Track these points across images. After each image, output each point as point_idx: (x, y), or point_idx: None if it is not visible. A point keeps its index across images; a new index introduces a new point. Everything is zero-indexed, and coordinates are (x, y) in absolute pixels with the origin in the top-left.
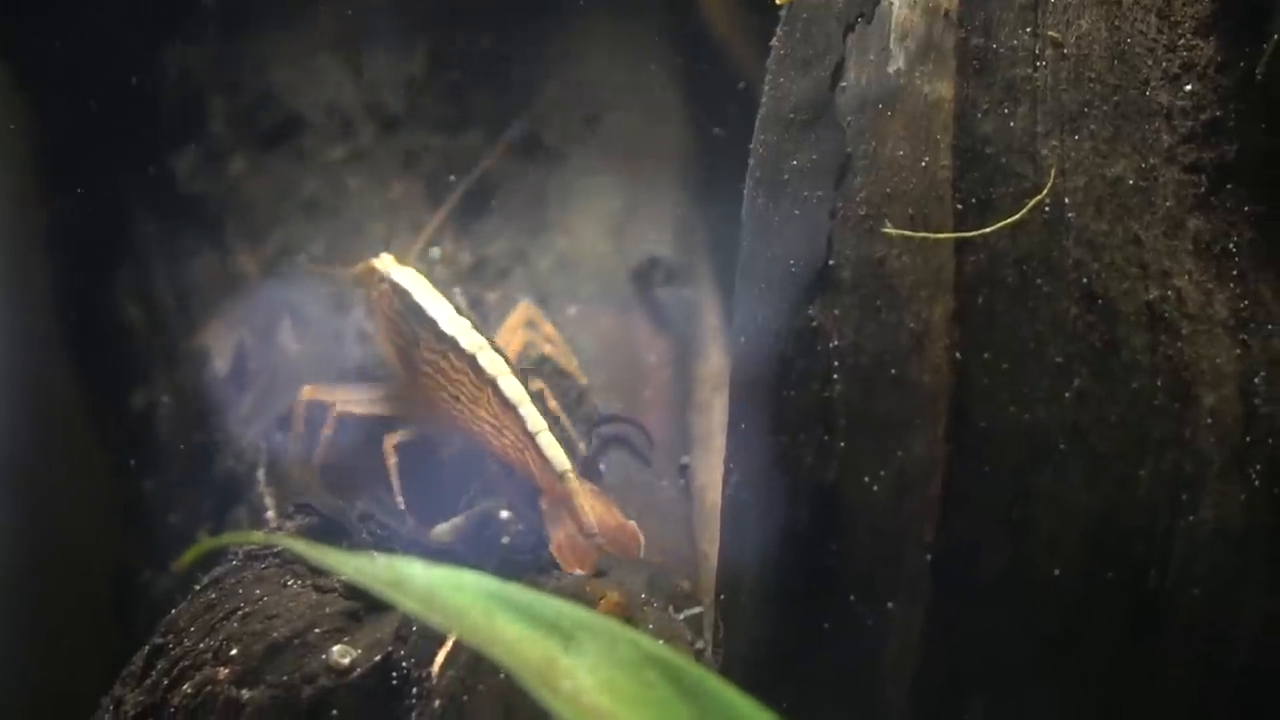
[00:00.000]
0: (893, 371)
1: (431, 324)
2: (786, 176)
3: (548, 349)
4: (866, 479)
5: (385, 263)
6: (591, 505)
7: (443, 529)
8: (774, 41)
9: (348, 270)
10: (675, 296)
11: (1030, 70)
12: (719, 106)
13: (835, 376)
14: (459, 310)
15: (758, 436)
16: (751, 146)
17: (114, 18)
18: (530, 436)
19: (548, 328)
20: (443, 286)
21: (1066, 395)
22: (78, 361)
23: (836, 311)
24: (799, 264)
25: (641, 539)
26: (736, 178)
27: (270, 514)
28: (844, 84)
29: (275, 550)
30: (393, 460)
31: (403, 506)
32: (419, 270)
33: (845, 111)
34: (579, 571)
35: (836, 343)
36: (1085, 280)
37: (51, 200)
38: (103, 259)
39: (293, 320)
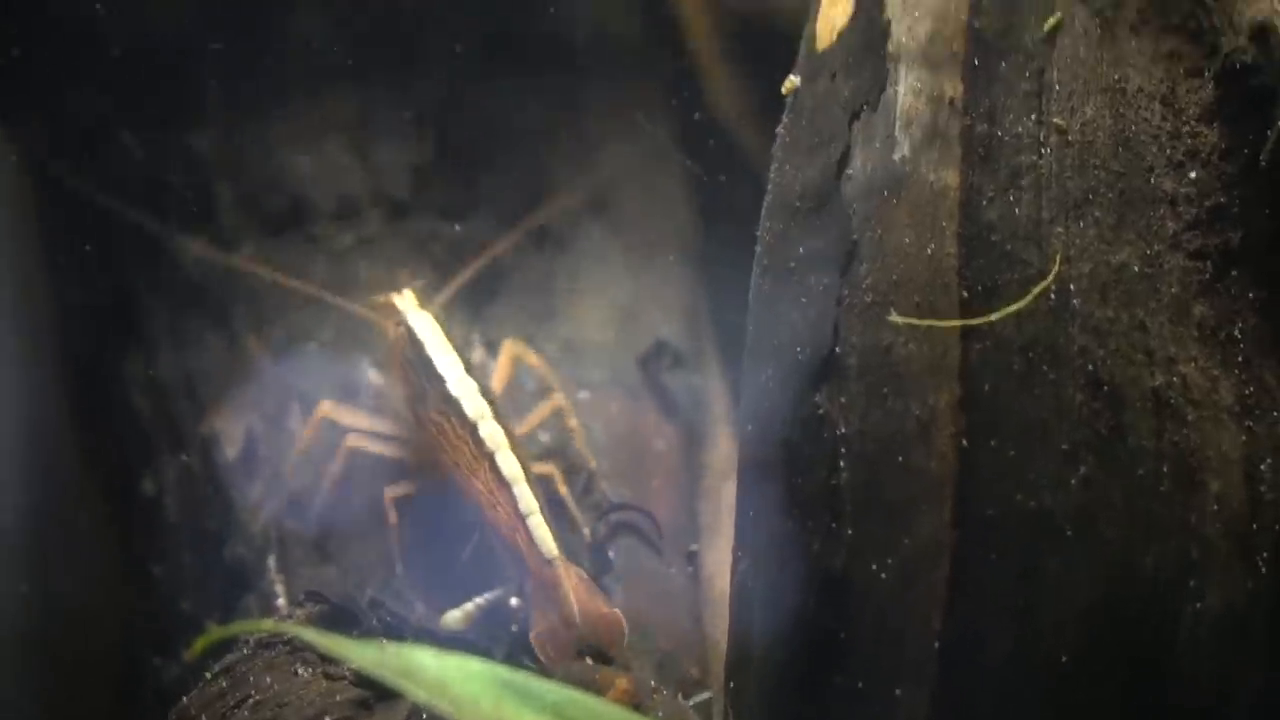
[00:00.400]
0: (899, 458)
1: (440, 382)
2: (793, 263)
3: (555, 402)
4: (874, 565)
5: (406, 302)
6: (576, 593)
7: (454, 616)
8: (780, 129)
9: (368, 303)
10: (683, 383)
11: (1035, 157)
12: (726, 192)
13: (842, 463)
14: (468, 369)
15: (765, 523)
16: (758, 233)
17: (122, 102)
18: (521, 517)
19: (533, 359)
20: (459, 334)
21: (1072, 481)
22: (86, 446)
23: (843, 399)
24: (805, 351)
25: (625, 629)
26: (743, 263)
27: (280, 601)
28: (849, 171)
29: (286, 638)
30: (393, 518)
31: (401, 570)
32: (437, 317)
33: (851, 199)
34: (559, 662)
35: (843, 430)
36: (1091, 367)
37: (59, 285)
38: (111, 343)
39: (302, 405)
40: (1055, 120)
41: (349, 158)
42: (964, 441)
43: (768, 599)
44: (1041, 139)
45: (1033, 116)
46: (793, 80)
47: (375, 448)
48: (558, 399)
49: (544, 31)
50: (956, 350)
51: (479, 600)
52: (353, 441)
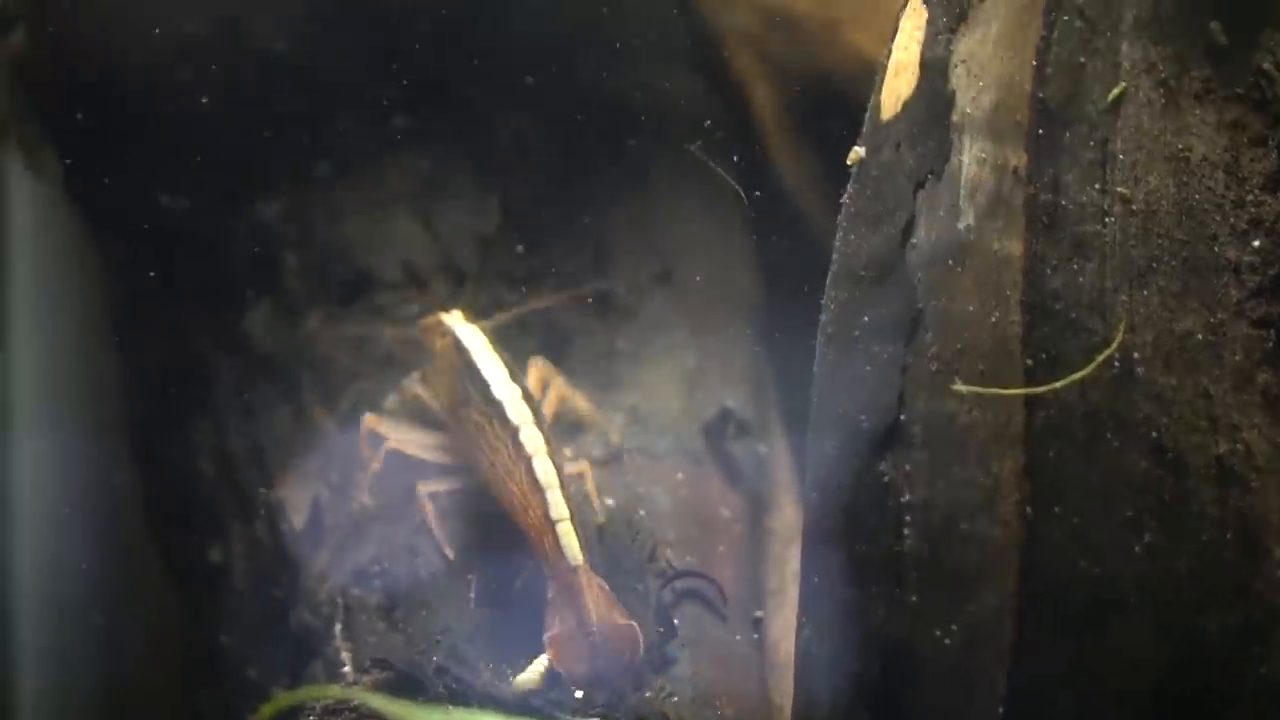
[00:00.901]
0: (963, 526)
1: (484, 386)
2: (857, 332)
3: (579, 404)
4: (938, 632)
5: (453, 318)
6: (596, 601)
7: (527, 678)
8: (845, 198)
9: (418, 323)
10: (748, 450)
11: (1099, 226)
12: (790, 260)
13: (906, 531)
14: (512, 376)
15: (830, 590)
16: (823, 301)
17: (188, 172)
18: (551, 522)
19: (558, 380)
20: (506, 349)
21: (1136, 548)
22: (153, 514)
23: (907, 466)
24: (870, 418)
25: (641, 641)
26: (808, 331)
27: (347, 668)
28: (914, 240)
29: (352, 705)
30: (429, 508)
31: (450, 555)
32: (484, 329)
33: (916, 268)
34: (570, 670)
35: (907, 497)
36: (1154, 434)
37: (126, 354)
38: (178, 412)
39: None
40: (1119, 189)
41: (414, 226)
42: (1028, 509)
43: (832, 665)
44: (1105, 208)
45: (1097, 186)
46: (858, 151)
47: (411, 451)
48: (540, 366)
49: (607, 99)
50: (1021, 418)
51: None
52: (393, 444)
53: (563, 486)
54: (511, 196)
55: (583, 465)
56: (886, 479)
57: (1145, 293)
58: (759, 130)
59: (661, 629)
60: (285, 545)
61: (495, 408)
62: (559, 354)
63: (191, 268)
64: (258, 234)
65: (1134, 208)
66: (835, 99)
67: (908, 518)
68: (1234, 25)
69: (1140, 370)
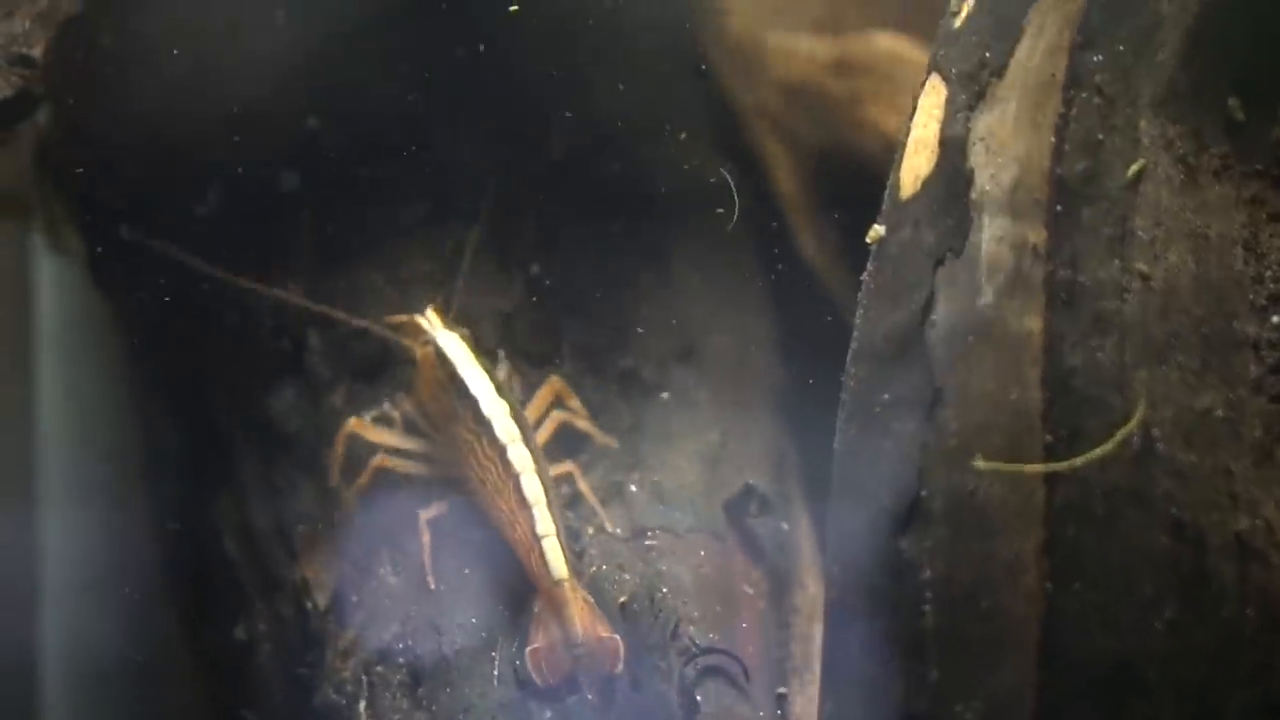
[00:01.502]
0: (984, 602)
1: (473, 403)
2: (878, 409)
3: (580, 424)
4: (958, 708)
5: (431, 322)
6: (581, 615)
7: None
8: (865, 275)
9: (387, 321)
10: (770, 527)
11: (1118, 303)
12: (811, 335)
13: (927, 607)
14: (499, 390)
15: (851, 666)
16: (843, 378)
17: (211, 252)
18: (537, 539)
19: (574, 402)
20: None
21: (1156, 625)
22: (176, 592)
23: (928, 543)
24: (890, 495)
25: (622, 653)
26: (829, 408)
27: None
28: (933, 318)
29: None
30: (426, 538)
31: (433, 587)
32: (463, 336)
33: (935, 345)
34: (548, 682)
35: (928, 574)
36: (1174, 511)
37: (150, 433)
38: (201, 491)
39: (391, 553)
40: (1138, 266)
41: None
42: (1048, 585)
43: None
44: (1125, 285)
45: (1116, 262)
46: (877, 230)
47: (401, 469)
48: (555, 385)
49: (628, 177)
50: (1041, 494)
51: None
52: (380, 460)
53: (550, 503)
54: (531, 276)
55: (570, 467)
56: (907, 555)
57: (1165, 369)
58: (780, 206)
59: (685, 706)
60: (310, 623)
61: (484, 426)
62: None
63: (214, 347)
64: (281, 313)
65: (1153, 284)
66: (856, 175)
67: (929, 594)
68: (1252, 101)
69: (1160, 447)
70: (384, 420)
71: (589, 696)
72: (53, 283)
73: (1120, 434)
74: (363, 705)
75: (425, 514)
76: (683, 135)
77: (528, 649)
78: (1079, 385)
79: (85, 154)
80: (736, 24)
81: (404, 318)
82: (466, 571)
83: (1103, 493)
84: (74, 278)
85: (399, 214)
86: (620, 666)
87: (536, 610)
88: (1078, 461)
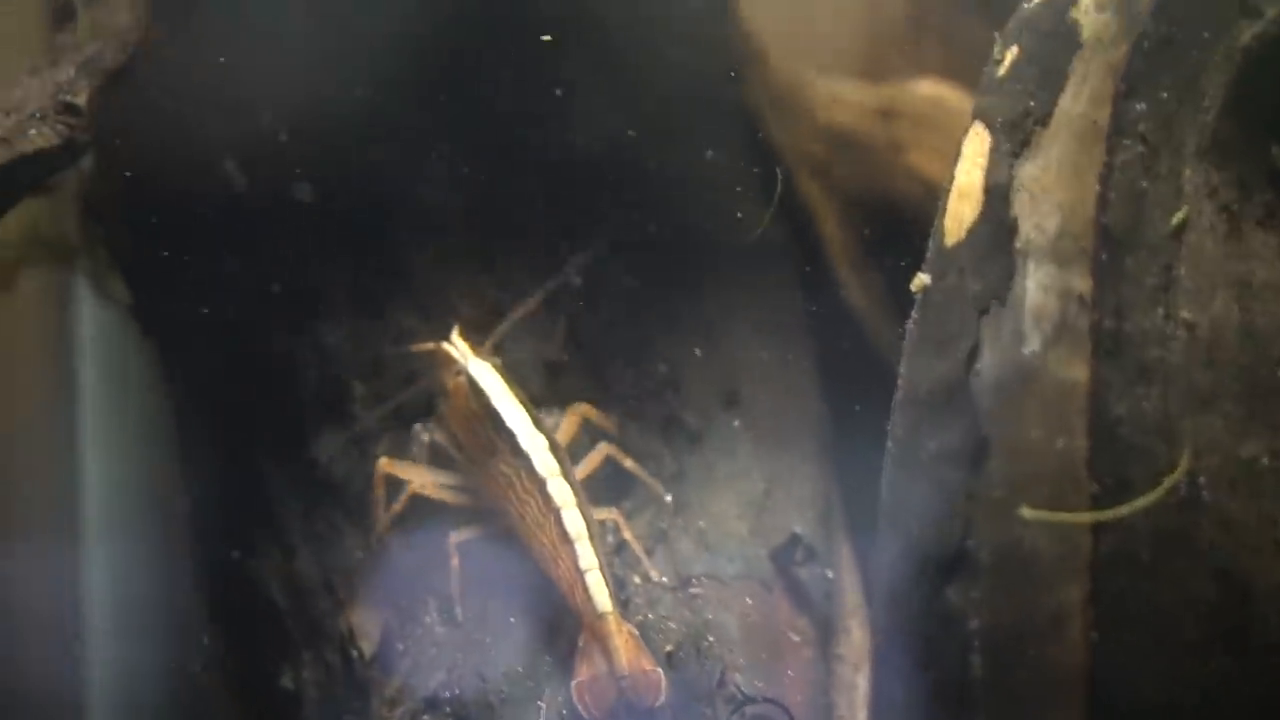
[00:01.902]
0: (1031, 651)
1: (510, 437)
2: (923, 457)
3: (628, 464)
4: None
5: (460, 351)
6: (625, 647)
7: None
8: (910, 323)
9: (414, 348)
10: (816, 574)
11: (1163, 351)
12: (856, 382)
13: (974, 656)
14: (535, 423)
15: (897, 714)
16: (889, 426)
17: (255, 298)
18: (580, 573)
19: (605, 424)
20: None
21: (1203, 674)
22: (222, 639)
23: (975, 593)
24: (936, 544)
25: (664, 686)
26: (874, 456)
27: None
28: (979, 367)
29: None
30: (455, 561)
31: (460, 616)
32: (495, 365)
33: (980, 394)
34: (593, 714)
35: (975, 623)
36: (1220, 559)
37: (194, 483)
38: (246, 538)
39: (437, 601)
40: (1183, 314)
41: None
42: (1094, 634)
43: None
44: (1169, 333)
45: (1160, 311)
46: (922, 278)
47: (435, 495)
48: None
49: (673, 226)
50: (1087, 543)
51: None
52: (415, 489)
53: (591, 537)
54: (577, 323)
55: (614, 513)
56: (954, 604)
57: (1210, 417)
58: (825, 254)
59: None
60: (356, 671)
61: (523, 460)
62: (627, 478)
63: (259, 393)
64: (325, 360)
65: (1198, 333)
66: (899, 221)
67: (975, 642)
68: None
69: (1206, 495)
70: (416, 442)
71: None
72: (97, 329)
73: (1166, 483)
74: None
75: (455, 537)
76: (727, 182)
77: (573, 682)
78: (1125, 434)
79: (130, 202)
80: (780, 71)
81: (430, 345)
82: (512, 620)
83: (1149, 541)
84: (119, 324)
85: (444, 261)
86: (663, 699)
87: (581, 644)
88: (1124, 510)
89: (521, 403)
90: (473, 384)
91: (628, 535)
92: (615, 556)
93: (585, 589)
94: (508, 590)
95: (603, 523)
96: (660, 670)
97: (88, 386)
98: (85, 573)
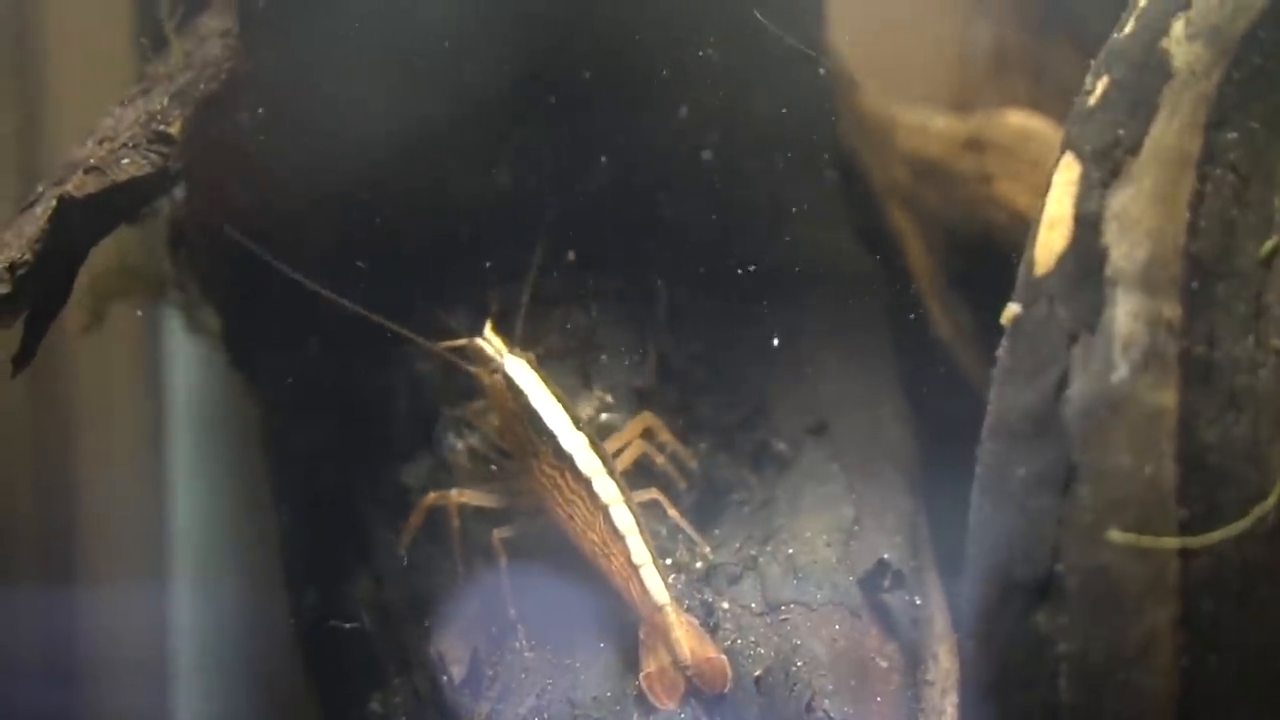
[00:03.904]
0: (1120, 677)
1: (551, 438)
2: (1012, 484)
3: (659, 460)
4: None
5: (495, 347)
6: (687, 636)
7: None
8: (999, 352)
9: (445, 344)
10: (904, 601)
11: (1252, 379)
12: (943, 410)
13: (1062, 682)
14: (575, 423)
15: None
16: (977, 454)
17: (345, 328)
18: (635, 568)
19: (666, 435)
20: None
21: None
22: (312, 666)
23: (1063, 619)
24: (1024, 570)
25: (729, 674)
26: (962, 483)
27: None
28: (1068, 394)
29: None
30: (503, 560)
31: (513, 613)
32: (530, 361)
33: (1070, 421)
34: (665, 705)
35: (1063, 648)
36: None
37: (283, 509)
38: (336, 565)
39: (526, 628)
40: (1273, 342)
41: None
42: (1184, 660)
43: None
44: (1259, 360)
45: (1250, 339)
46: (1012, 309)
47: (479, 501)
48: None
49: (762, 256)
50: (1176, 569)
51: None
52: (460, 498)
53: (641, 530)
54: (668, 352)
55: (655, 493)
56: (1042, 630)
57: None
58: (914, 285)
59: None
60: (445, 697)
61: (566, 460)
62: (715, 504)
63: (349, 422)
64: (415, 389)
65: None
66: (987, 251)
67: (1064, 668)
68: None
69: None
70: (449, 449)
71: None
72: (188, 361)
73: (1256, 510)
74: None
75: (500, 534)
76: (816, 212)
77: (640, 675)
78: (1214, 461)
79: (219, 232)
80: (869, 101)
81: (462, 341)
82: (601, 645)
83: (1238, 567)
84: (209, 356)
85: (535, 291)
86: (729, 686)
87: (642, 637)
88: (1215, 537)
89: (558, 399)
90: (510, 382)
91: (673, 512)
92: (698, 582)
93: (641, 583)
94: (597, 616)
95: (646, 503)
96: (724, 657)
97: (177, 419)
98: (174, 607)
